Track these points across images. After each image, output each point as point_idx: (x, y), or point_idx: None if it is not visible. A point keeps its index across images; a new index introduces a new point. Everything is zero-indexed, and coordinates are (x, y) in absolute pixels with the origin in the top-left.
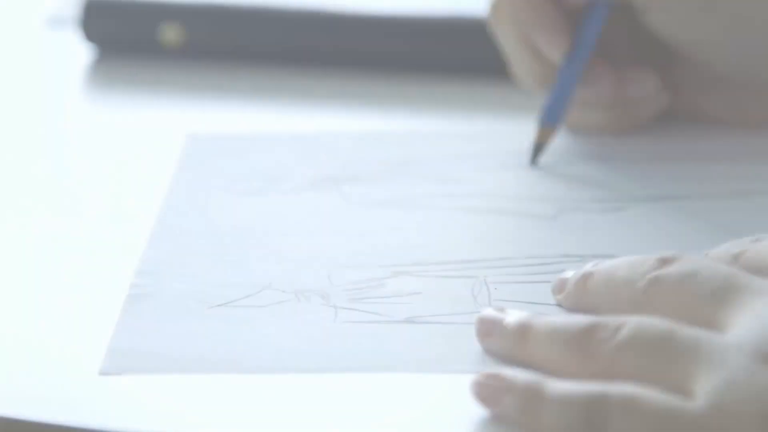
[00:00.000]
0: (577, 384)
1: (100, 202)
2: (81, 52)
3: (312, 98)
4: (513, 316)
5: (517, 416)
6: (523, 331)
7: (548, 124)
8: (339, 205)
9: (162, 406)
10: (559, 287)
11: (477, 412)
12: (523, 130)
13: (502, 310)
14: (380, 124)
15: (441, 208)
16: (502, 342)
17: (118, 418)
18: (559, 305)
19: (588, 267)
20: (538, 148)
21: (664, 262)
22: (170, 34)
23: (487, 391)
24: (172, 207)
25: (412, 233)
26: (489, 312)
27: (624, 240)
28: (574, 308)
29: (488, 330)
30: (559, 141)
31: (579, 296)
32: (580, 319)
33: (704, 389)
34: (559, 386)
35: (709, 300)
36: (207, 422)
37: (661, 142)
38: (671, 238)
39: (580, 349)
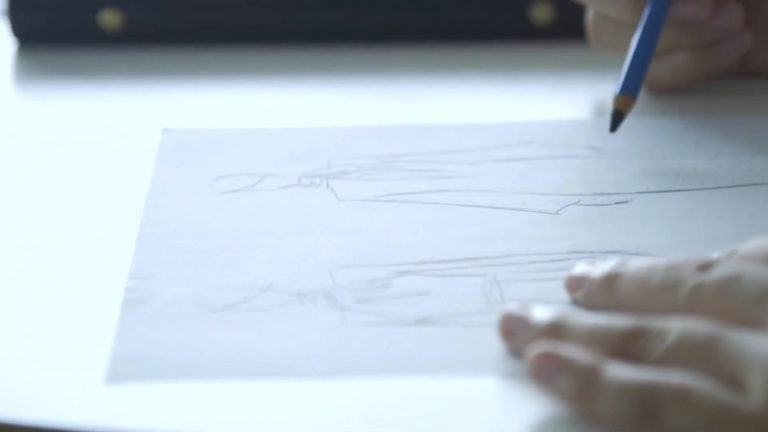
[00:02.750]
0: (635, 371)
1: (67, 202)
2: (8, 43)
3: (256, 75)
4: (542, 315)
5: (571, 398)
6: (555, 330)
7: (626, 92)
8: (331, 202)
9: (168, 413)
10: (574, 284)
11: (497, 415)
12: (510, 123)
13: (526, 307)
14: (335, 97)
15: (437, 204)
16: (530, 342)
17: (124, 425)
18: (575, 303)
19: (612, 267)
20: (617, 117)
21: (704, 267)
22: (109, 18)
23: (543, 369)
24: (156, 206)
25: (410, 230)
26: (514, 309)
27: (632, 235)
28: (595, 308)
29: (513, 328)
30: (554, 133)
31: (603, 297)
32: (619, 322)
33: (760, 387)
34: (617, 373)
35: (753, 303)
36: (217, 429)
37: (653, 137)
38: (680, 231)
39: (624, 353)
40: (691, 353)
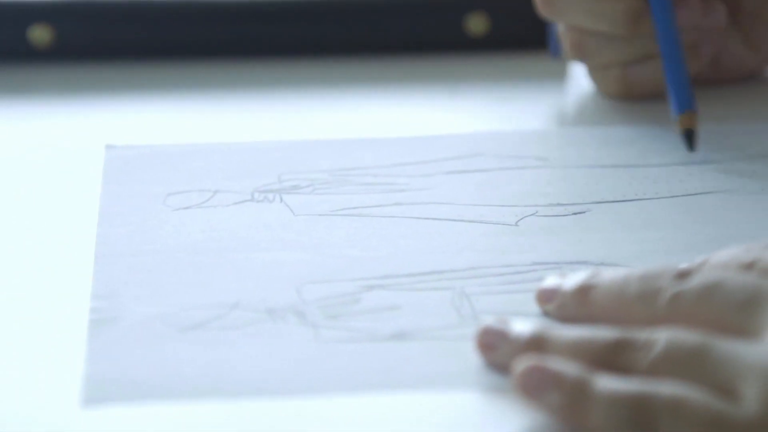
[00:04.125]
0: (625, 382)
1: (14, 224)
2: None
3: (192, 89)
4: (521, 328)
5: (561, 412)
6: (537, 344)
7: (684, 110)
8: (287, 217)
9: None
10: (545, 297)
11: (479, 429)
12: (458, 135)
13: (504, 321)
14: (279, 111)
15: (394, 217)
16: (511, 356)
17: None
18: (546, 315)
19: (585, 278)
20: (689, 136)
21: (682, 276)
22: (38, 34)
23: (531, 383)
24: (110, 225)
25: (371, 244)
26: (491, 323)
27: (594, 245)
28: (568, 320)
29: (492, 343)
30: (502, 144)
31: (577, 308)
32: (603, 334)
33: (754, 394)
34: (607, 384)
35: (738, 310)
36: None
37: (601, 146)
38: (642, 241)
39: (609, 366)
40: (680, 363)
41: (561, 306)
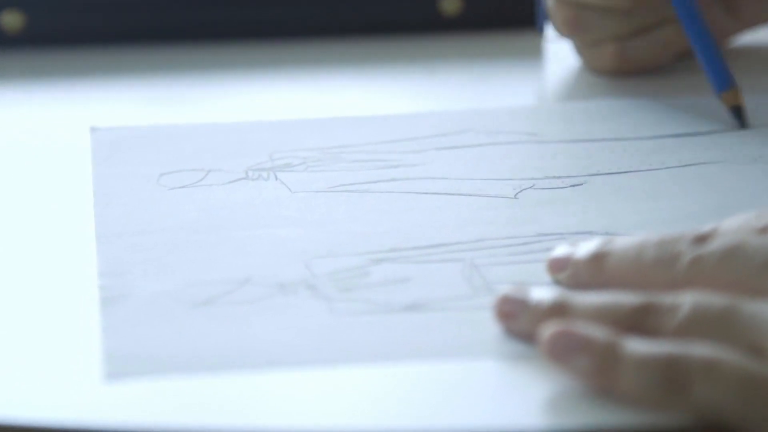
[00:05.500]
0: (656, 345)
1: (8, 211)
2: None
3: (164, 72)
4: (542, 295)
5: (591, 376)
6: (559, 310)
7: (725, 88)
8: (285, 194)
9: (167, 408)
10: (557, 266)
11: (499, 397)
12: (444, 112)
13: (522, 289)
14: (259, 91)
15: (392, 193)
16: (533, 324)
17: (123, 422)
18: (558, 284)
19: (598, 246)
20: (737, 112)
21: (701, 239)
22: (9, 19)
23: (559, 348)
24: (106, 205)
25: (373, 219)
26: (510, 292)
27: (595, 216)
28: (581, 288)
29: (512, 311)
30: (490, 120)
31: (591, 276)
32: (626, 299)
33: None
34: (637, 348)
35: (759, 272)
36: (220, 422)
37: (589, 120)
38: (642, 211)
39: (634, 330)
40: (708, 325)
41: (574, 274)
